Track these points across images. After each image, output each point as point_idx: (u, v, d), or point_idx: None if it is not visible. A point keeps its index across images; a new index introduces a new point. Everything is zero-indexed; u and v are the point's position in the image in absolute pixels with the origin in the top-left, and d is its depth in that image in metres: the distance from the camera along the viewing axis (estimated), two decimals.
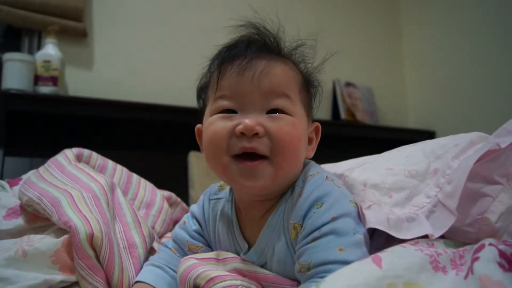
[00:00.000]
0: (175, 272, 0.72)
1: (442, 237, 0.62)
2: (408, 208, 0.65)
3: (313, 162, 0.71)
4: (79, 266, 0.61)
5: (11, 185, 0.90)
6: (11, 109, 1.66)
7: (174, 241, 0.79)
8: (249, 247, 0.69)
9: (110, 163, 0.92)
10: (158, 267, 0.74)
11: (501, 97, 2.43)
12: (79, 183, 0.72)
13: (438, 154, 0.70)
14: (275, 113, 0.63)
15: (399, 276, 0.47)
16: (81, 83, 1.96)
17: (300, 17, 2.59)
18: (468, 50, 2.64)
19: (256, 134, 0.60)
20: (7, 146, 1.67)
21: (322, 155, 0.80)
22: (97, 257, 0.62)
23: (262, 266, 0.67)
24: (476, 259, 0.49)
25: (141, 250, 0.73)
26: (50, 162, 0.81)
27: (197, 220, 0.78)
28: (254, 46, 0.66)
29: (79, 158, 0.83)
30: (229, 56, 0.66)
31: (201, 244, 0.76)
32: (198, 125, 0.73)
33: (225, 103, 0.64)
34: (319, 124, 0.73)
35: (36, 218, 0.70)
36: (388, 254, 0.50)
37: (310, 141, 0.72)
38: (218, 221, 0.74)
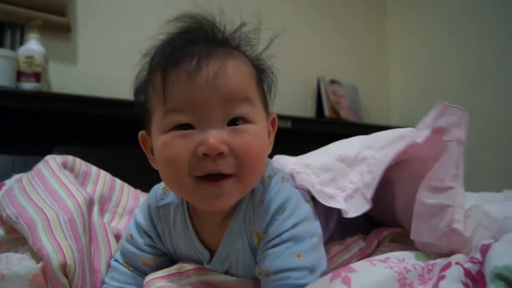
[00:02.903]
0: None
1: (414, 249, 0.64)
2: (331, 188, 0.70)
3: (268, 160, 0.67)
4: None
5: None
6: None
7: (124, 254, 0.72)
8: (211, 253, 0.66)
9: (94, 169, 0.92)
10: None
11: (485, 96, 2.48)
12: (57, 201, 0.72)
13: (370, 144, 0.75)
14: (237, 123, 0.56)
15: None
16: (64, 79, 1.94)
17: (284, 14, 2.60)
18: (453, 50, 2.69)
19: (221, 153, 0.53)
20: None
21: (306, 152, 0.83)
22: (71, 285, 0.62)
23: (227, 271, 0.66)
24: (442, 277, 0.51)
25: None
26: (34, 173, 0.80)
27: (146, 233, 0.70)
28: (200, 41, 0.57)
29: (64, 166, 0.83)
30: (172, 57, 0.56)
31: (154, 257, 0.71)
32: (142, 132, 0.65)
33: (178, 118, 0.55)
34: (275, 116, 0.67)
35: (15, 230, 0.70)
36: (357, 274, 0.52)
37: (268, 134, 0.64)
38: (173, 231, 0.68)
